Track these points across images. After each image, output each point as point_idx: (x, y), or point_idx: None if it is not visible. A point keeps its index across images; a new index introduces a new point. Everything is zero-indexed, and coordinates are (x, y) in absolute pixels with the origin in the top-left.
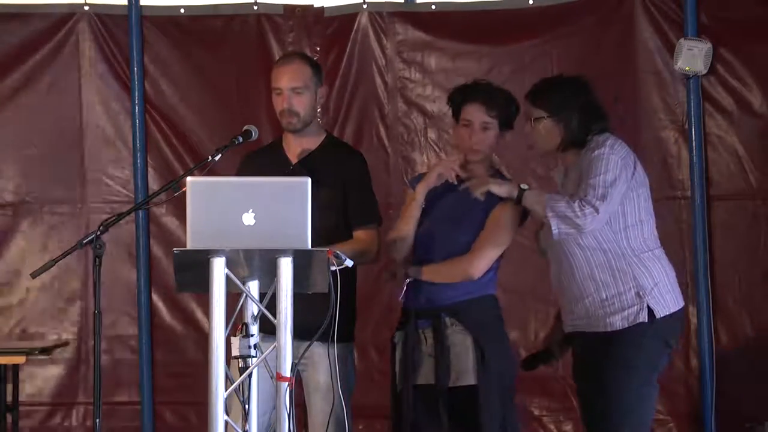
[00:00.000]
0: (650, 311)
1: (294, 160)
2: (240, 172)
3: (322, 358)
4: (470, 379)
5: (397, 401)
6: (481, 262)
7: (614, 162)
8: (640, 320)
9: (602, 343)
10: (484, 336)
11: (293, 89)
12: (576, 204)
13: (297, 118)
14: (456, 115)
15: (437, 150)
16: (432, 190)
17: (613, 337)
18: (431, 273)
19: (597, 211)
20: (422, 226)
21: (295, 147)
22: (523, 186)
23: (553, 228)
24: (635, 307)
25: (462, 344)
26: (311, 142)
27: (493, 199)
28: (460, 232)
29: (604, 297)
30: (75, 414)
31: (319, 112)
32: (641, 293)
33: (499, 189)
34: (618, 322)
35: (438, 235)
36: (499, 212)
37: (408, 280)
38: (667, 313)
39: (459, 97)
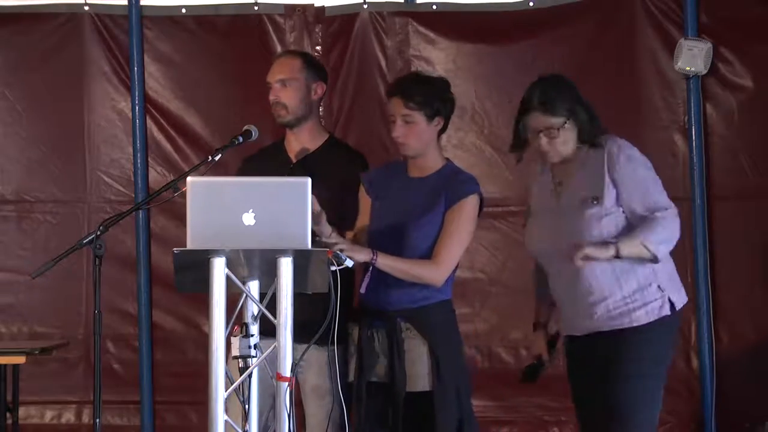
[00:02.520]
0: (671, 304)
1: (294, 159)
2: (242, 172)
3: (317, 359)
4: (425, 385)
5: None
6: (447, 272)
7: (647, 166)
8: (664, 313)
9: (626, 339)
10: (439, 341)
11: (279, 81)
12: (669, 220)
13: (285, 110)
14: None
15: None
16: (385, 183)
17: (637, 331)
18: (398, 271)
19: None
20: (377, 222)
21: (295, 146)
22: (612, 239)
23: (660, 255)
24: (658, 300)
25: (417, 350)
26: (312, 141)
27: (450, 198)
28: (419, 234)
29: (627, 294)
30: (75, 414)
31: (322, 113)
32: (661, 286)
33: (599, 253)
34: (643, 316)
35: (396, 236)
36: (459, 213)
37: (371, 270)
38: (683, 305)
39: (387, 93)
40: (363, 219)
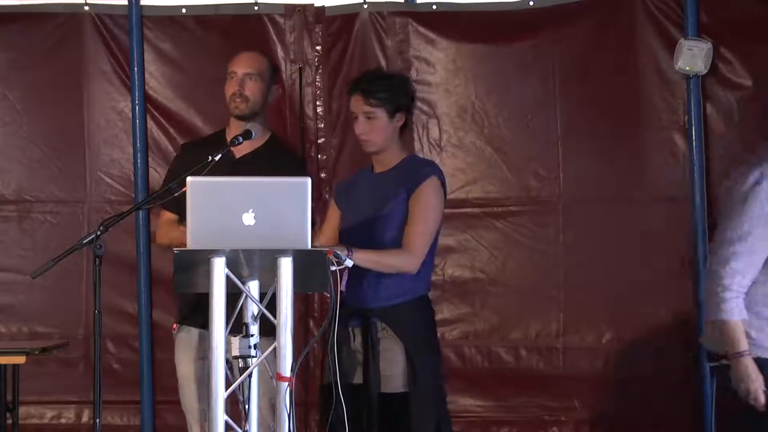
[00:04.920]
0: None
1: (237, 155)
2: (178, 161)
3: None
4: (399, 387)
5: (326, 394)
6: (420, 257)
7: None
8: None
9: None
10: (415, 342)
11: (247, 74)
12: None
13: (246, 103)
14: None
15: (438, 149)
16: (353, 187)
17: None
18: (373, 263)
19: None
20: (347, 221)
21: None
22: None
23: None
24: None
25: (392, 351)
26: (255, 140)
27: (410, 185)
28: (383, 223)
29: None
30: (75, 414)
31: (318, 117)
32: None
33: None
34: None
35: (362, 230)
36: (421, 197)
37: (348, 265)
38: None
39: (347, 92)
40: (327, 231)
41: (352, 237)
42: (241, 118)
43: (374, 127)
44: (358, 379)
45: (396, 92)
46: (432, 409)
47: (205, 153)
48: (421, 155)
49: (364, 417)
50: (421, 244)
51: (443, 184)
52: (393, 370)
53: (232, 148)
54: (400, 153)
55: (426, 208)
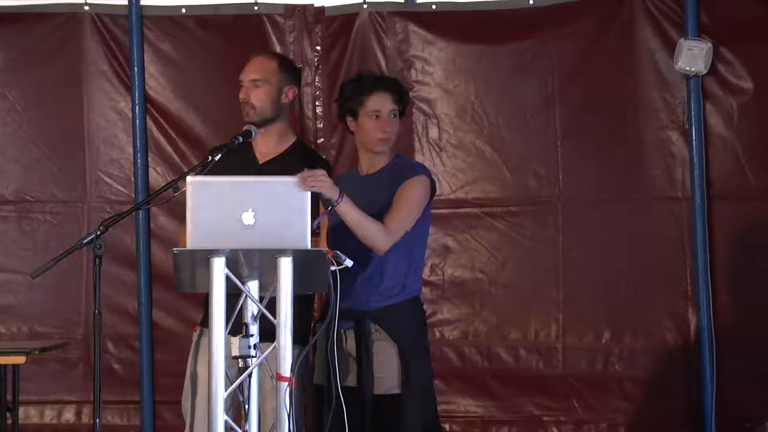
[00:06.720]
0: None
1: (261, 160)
2: (206, 161)
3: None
4: (394, 389)
5: (317, 398)
6: (393, 239)
7: None
8: None
9: None
10: (408, 344)
11: (252, 81)
12: None
13: (253, 110)
14: (354, 109)
15: (438, 149)
16: (339, 183)
17: None
18: (354, 219)
19: None
20: (332, 221)
21: (262, 147)
22: None
23: None
24: None
25: (386, 353)
26: (279, 144)
27: (394, 185)
28: None
29: None
30: (75, 413)
31: (320, 119)
32: None
33: None
34: None
35: (349, 231)
36: (406, 188)
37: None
38: None
39: (360, 89)
40: (321, 235)
41: (340, 236)
42: (254, 125)
43: (396, 126)
44: (351, 381)
45: (406, 97)
46: (422, 410)
47: (233, 158)
48: (420, 155)
49: (357, 419)
50: (398, 227)
51: (432, 184)
52: (386, 371)
53: (256, 153)
54: (390, 154)
55: (409, 197)
